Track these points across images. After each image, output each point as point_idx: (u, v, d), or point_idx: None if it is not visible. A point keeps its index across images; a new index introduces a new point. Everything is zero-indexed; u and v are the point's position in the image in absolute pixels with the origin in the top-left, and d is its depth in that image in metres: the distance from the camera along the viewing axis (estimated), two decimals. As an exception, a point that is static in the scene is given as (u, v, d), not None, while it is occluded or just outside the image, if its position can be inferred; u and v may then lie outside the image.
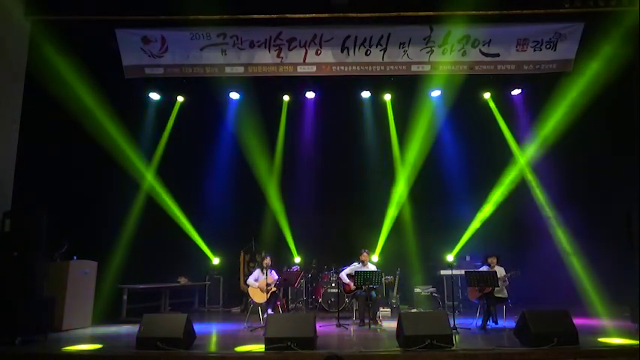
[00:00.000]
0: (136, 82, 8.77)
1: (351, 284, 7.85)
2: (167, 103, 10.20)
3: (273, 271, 7.69)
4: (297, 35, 8.11)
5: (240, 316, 8.64)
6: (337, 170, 10.48)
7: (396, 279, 9.19)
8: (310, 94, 10.22)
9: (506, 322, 6.98)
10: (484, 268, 7.35)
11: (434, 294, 9.19)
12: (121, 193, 9.38)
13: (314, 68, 8.38)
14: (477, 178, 10.05)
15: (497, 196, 9.92)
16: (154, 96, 9.98)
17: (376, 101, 10.46)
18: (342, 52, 8.24)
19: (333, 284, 9.15)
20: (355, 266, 8.05)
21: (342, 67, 8.39)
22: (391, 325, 6.99)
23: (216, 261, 10.41)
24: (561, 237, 9.33)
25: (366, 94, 10.21)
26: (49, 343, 6.04)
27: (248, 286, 7.82)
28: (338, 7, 7.67)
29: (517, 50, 8.23)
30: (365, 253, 8.08)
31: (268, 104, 10.27)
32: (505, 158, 10.08)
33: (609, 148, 9.29)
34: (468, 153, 10.21)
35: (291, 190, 10.44)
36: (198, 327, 6.08)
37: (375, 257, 9.71)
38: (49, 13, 7.66)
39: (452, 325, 5.89)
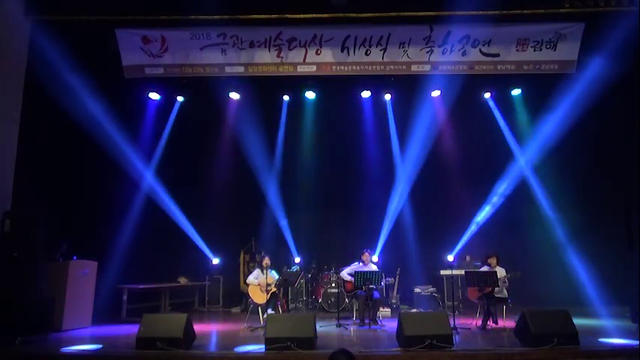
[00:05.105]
0: (135, 82, 8.77)
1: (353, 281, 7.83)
2: (167, 103, 10.18)
3: (273, 271, 7.69)
4: (297, 35, 8.11)
5: (240, 316, 8.65)
6: (337, 170, 10.47)
7: (396, 279, 9.19)
8: (310, 94, 10.21)
9: (506, 322, 6.97)
10: (484, 269, 7.34)
11: (434, 294, 9.19)
12: (121, 193, 9.37)
13: (314, 68, 8.38)
14: (477, 178, 10.05)
15: (497, 196, 9.90)
16: (154, 96, 9.97)
17: (376, 101, 10.44)
18: (342, 51, 8.23)
19: (333, 284, 9.14)
20: (356, 266, 8.05)
21: (342, 67, 8.38)
22: (391, 325, 6.99)
23: (216, 261, 10.40)
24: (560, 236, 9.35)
25: (366, 94, 10.20)
26: (49, 343, 6.04)
27: (248, 285, 7.82)
28: (338, 7, 7.66)
29: (517, 50, 8.22)
30: (366, 253, 8.08)
31: (268, 104, 10.25)
32: (505, 158, 10.06)
33: (609, 148, 9.30)
34: (467, 153, 10.20)
35: (291, 190, 10.43)
36: (198, 327, 6.08)
37: (375, 257, 9.70)
38: (49, 13, 7.64)
39: (452, 325, 5.89)
